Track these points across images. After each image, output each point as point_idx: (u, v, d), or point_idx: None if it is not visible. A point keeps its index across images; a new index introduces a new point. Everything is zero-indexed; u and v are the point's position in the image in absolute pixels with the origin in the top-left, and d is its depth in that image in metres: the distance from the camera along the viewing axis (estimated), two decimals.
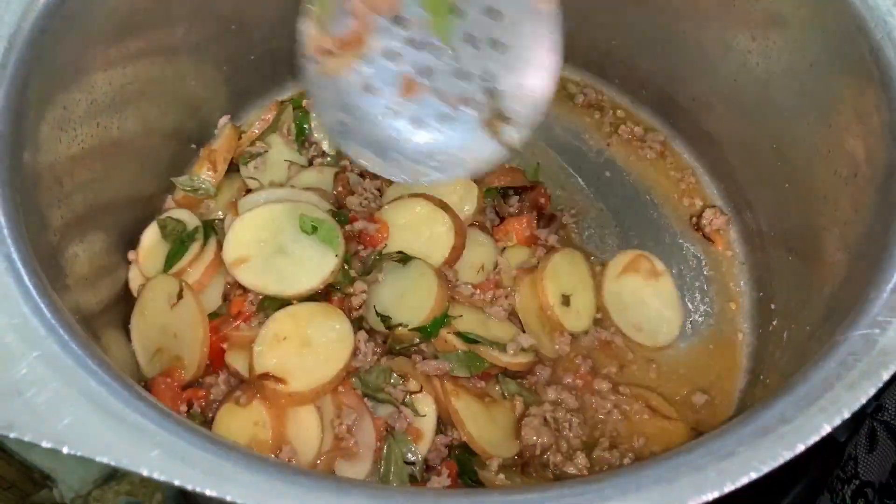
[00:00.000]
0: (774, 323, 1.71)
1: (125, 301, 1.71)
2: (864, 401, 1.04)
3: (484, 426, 1.54)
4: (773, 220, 1.79)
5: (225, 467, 1.02)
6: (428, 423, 1.53)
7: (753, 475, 1.00)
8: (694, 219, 1.97)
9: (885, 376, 1.06)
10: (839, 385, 1.07)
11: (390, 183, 1.82)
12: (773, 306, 1.74)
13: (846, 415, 1.03)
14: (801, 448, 1.01)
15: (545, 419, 1.62)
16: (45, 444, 0.99)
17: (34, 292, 1.15)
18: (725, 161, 1.96)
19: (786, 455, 1.01)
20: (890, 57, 1.38)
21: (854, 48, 1.44)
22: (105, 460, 0.99)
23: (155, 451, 1.01)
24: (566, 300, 1.75)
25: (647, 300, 1.83)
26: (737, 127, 1.88)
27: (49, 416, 1.02)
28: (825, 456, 1.72)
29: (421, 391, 1.54)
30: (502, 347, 1.61)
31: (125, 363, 1.58)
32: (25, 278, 1.16)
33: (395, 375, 1.55)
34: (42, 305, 1.14)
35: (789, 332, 1.60)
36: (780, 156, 1.75)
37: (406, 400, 1.53)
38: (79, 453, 1.00)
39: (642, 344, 1.78)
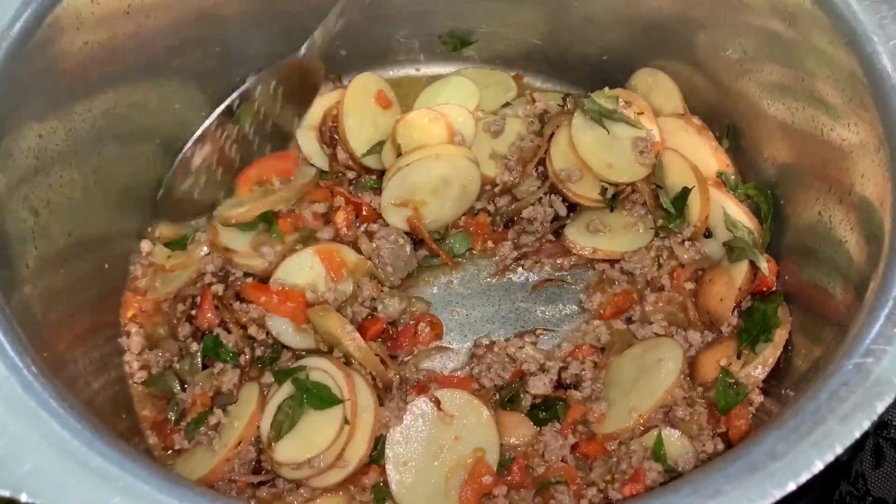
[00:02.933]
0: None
1: (109, 326, 1.69)
2: (858, 435, 1.00)
3: None
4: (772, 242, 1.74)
5: None
6: None
7: None
8: None
9: (880, 408, 1.02)
10: (831, 418, 1.02)
11: None
12: None
13: (839, 450, 0.99)
14: (791, 486, 0.97)
15: None
16: (2, 493, 0.96)
17: None
18: None
19: (776, 494, 0.96)
20: (881, 71, 1.35)
21: (845, 62, 1.41)
22: None
23: (116, 498, 0.98)
24: None
25: None
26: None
27: (8, 463, 0.99)
28: (830, 471, 1.67)
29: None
30: None
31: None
32: None
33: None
34: (6, 345, 1.11)
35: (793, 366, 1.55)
36: (774, 168, 1.71)
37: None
38: (38, 501, 0.96)
39: None
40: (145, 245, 1.82)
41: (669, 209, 1.73)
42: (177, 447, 1.52)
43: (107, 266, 1.70)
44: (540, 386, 1.59)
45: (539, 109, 1.90)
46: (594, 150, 1.77)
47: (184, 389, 1.61)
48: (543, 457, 1.54)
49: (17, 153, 1.39)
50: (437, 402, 1.53)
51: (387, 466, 1.49)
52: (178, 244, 1.77)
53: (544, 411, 1.59)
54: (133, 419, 1.63)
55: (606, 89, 1.87)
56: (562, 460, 1.53)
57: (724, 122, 1.82)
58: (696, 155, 1.76)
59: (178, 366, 1.63)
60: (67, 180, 1.54)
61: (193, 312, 1.68)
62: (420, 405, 1.54)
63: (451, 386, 1.60)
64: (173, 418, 1.58)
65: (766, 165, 1.74)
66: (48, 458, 1.01)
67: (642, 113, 1.82)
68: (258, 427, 1.50)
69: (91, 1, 1.49)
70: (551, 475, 1.50)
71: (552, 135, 1.82)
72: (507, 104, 2.02)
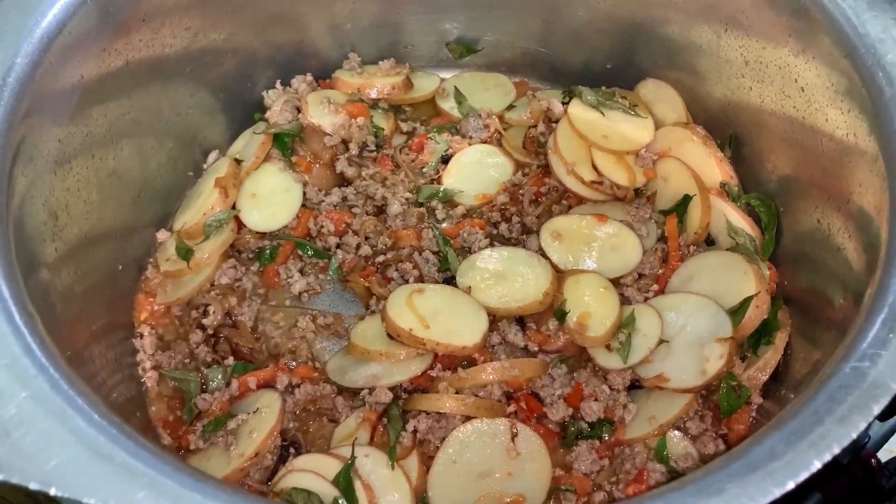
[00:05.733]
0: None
1: (122, 327, 1.73)
2: (854, 436, 1.03)
3: None
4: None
5: None
6: None
7: None
8: None
9: (876, 410, 1.05)
10: (829, 419, 1.06)
11: None
12: None
13: (836, 450, 1.03)
14: (791, 485, 1.01)
15: None
16: (32, 486, 0.99)
17: (25, 331, 1.15)
18: None
19: (775, 492, 1.00)
20: (880, 83, 1.38)
21: (844, 75, 1.45)
22: (92, 502, 0.99)
23: (142, 493, 1.01)
24: None
25: None
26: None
27: (37, 458, 1.03)
28: (829, 478, 1.70)
29: None
30: None
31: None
32: (16, 316, 1.16)
33: None
34: (33, 344, 1.14)
35: (792, 368, 1.58)
36: (775, 177, 1.75)
37: None
38: (66, 495, 1.00)
39: None
40: (162, 235, 1.84)
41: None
42: (192, 447, 1.55)
43: (120, 268, 1.73)
44: (595, 412, 1.56)
45: (544, 106, 1.97)
46: (590, 124, 1.86)
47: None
48: (570, 468, 1.53)
49: (38, 157, 1.43)
50: (514, 435, 1.50)
51: (441, 450, 1.49)
52: (186, 252, 1.76)
53: (589, 429, 1.57)
54: (146, 417, 1.66)
55: (603, 88, 1.95)
56: (585, 474, 1.52)
57: (728, 132, 1.86)
58: (700, 165, 1.81)
59: (206, 371, 1.65)
60: (84, 183, 1.58)
61: (205, 321, 1.71)
62: (501, 424, 1.51)
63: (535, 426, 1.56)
64: (187, 419, 1.60)
65: (767, 175, 1.78)
66: (75, 453, 1.04)
67: (637, 105, 1.90)
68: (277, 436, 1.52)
69: (109, 8, 1.53)
70: (564, 482, 1.50)
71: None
72: (511, 106, 2.06)
